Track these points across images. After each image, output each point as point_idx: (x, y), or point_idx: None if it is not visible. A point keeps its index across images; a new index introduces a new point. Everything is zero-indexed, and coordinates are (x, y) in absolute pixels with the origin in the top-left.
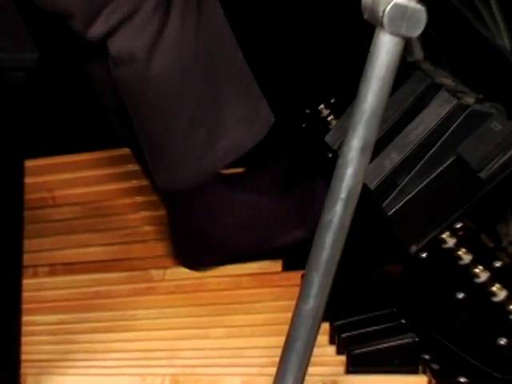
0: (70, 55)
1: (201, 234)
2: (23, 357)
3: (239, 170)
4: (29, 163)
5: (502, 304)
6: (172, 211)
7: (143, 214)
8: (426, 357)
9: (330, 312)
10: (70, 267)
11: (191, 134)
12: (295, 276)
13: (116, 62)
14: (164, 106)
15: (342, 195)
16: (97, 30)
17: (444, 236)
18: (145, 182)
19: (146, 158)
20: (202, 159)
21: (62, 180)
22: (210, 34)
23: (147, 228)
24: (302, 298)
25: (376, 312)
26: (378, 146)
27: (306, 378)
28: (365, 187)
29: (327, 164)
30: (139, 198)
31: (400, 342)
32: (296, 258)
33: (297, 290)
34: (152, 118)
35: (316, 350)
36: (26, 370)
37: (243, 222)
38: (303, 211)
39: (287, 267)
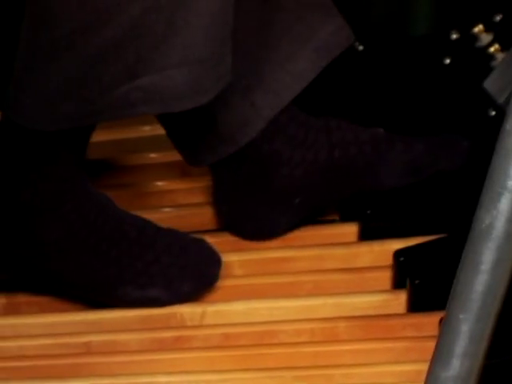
0: None
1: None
2: None
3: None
4: None
5: None
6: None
7: None
8: None
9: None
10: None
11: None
12: (427, 321)
13: None
14: None
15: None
16: None
17: None
18: None
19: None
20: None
21: None
22: None
23: None
24: (439, 359)
25: None
26: None
27: None
28: None
29: (484, 128)
30: None
31: None
32: (430, 287)
33: (430, 345)
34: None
35: None
36: None
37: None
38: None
39: (414, 306)
